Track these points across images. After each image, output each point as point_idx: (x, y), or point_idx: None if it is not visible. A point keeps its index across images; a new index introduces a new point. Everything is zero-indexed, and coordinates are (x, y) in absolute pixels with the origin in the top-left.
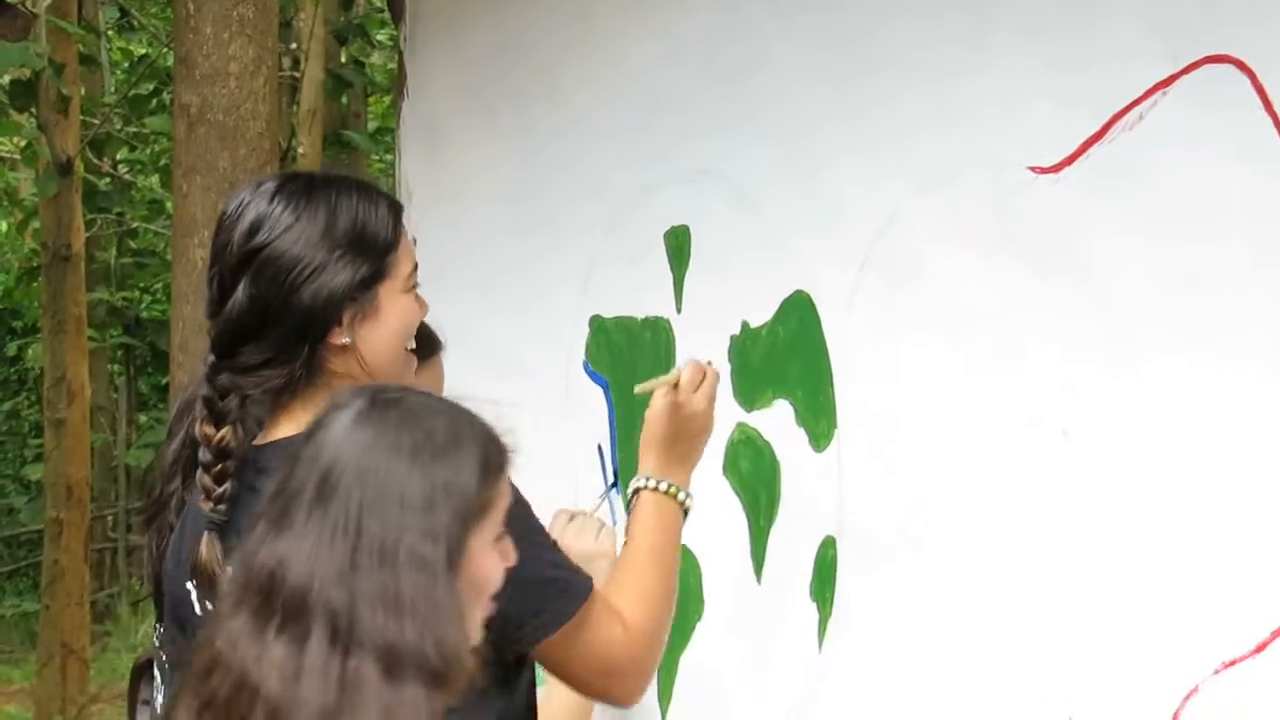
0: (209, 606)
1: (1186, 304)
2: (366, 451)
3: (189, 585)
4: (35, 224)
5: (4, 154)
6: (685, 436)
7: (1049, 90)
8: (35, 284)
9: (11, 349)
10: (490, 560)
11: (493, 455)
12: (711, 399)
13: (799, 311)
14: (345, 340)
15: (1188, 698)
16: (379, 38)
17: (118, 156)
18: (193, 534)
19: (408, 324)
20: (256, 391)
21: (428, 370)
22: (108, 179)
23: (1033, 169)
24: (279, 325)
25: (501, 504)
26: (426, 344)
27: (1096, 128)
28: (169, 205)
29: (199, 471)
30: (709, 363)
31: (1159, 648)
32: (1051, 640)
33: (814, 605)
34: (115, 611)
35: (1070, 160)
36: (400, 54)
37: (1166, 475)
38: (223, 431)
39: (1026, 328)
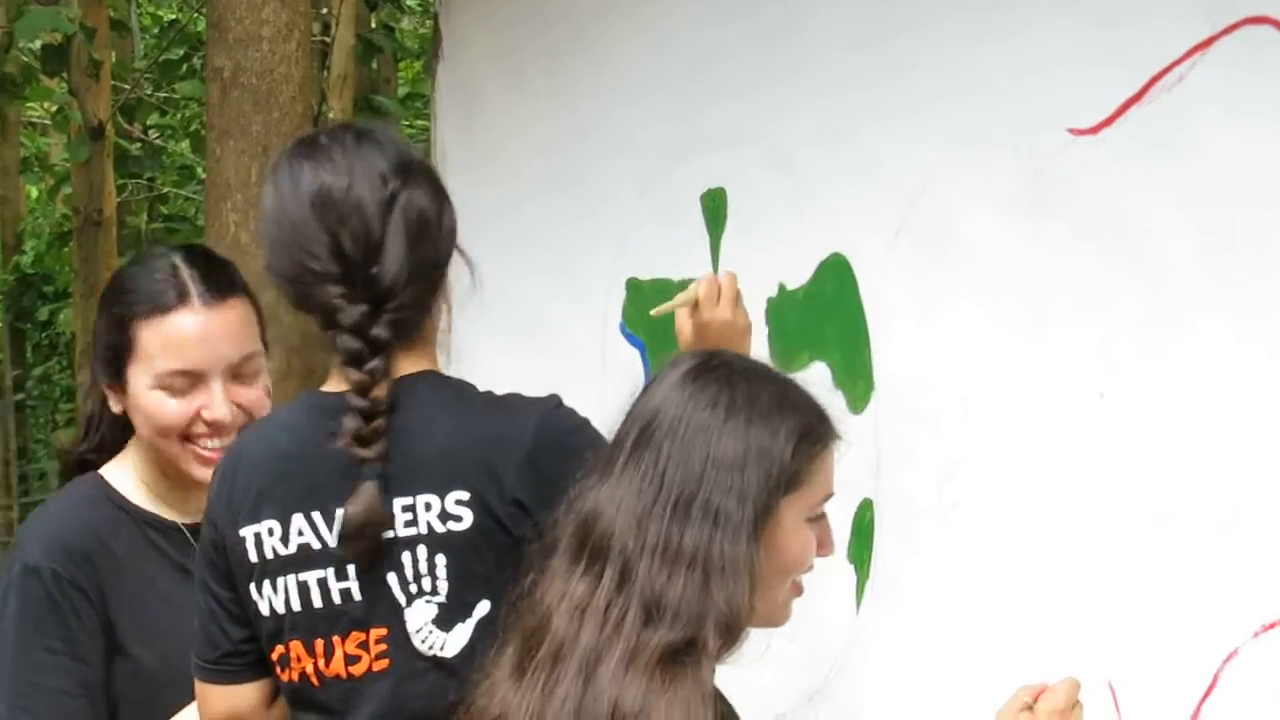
0: (283, 551)
1: (1225, 267)
2: (684, 406)
3: (245, 531)
4: (66, 189)
5: (35, 119)
6: (725, 347)
7: (1087, 52)
8: (67, 249)
9: (43, 314)
10: (802, 537)
11: (813, 427)
12: (735, 301)
13: (836, 274)
14: (450, 279)
15: (1227, 660)
16: (409, 3)
17: (149, 121)
18: (229, 477)
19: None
20: (404, 338)
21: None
22: (139, 144)
23: (1071, 131)
24: (425, 270)
25: (821, 481)
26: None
27: (1135, 89)
28: (200, 171)
29: (349, 418)
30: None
31: (1198, 611)
32: (1090, 604)
33: (852, 568)
34: None
35: (1109, 122)
36: (435, 17)
37: (1204, 438)
38: (379, 387)
39: (1064, 291)
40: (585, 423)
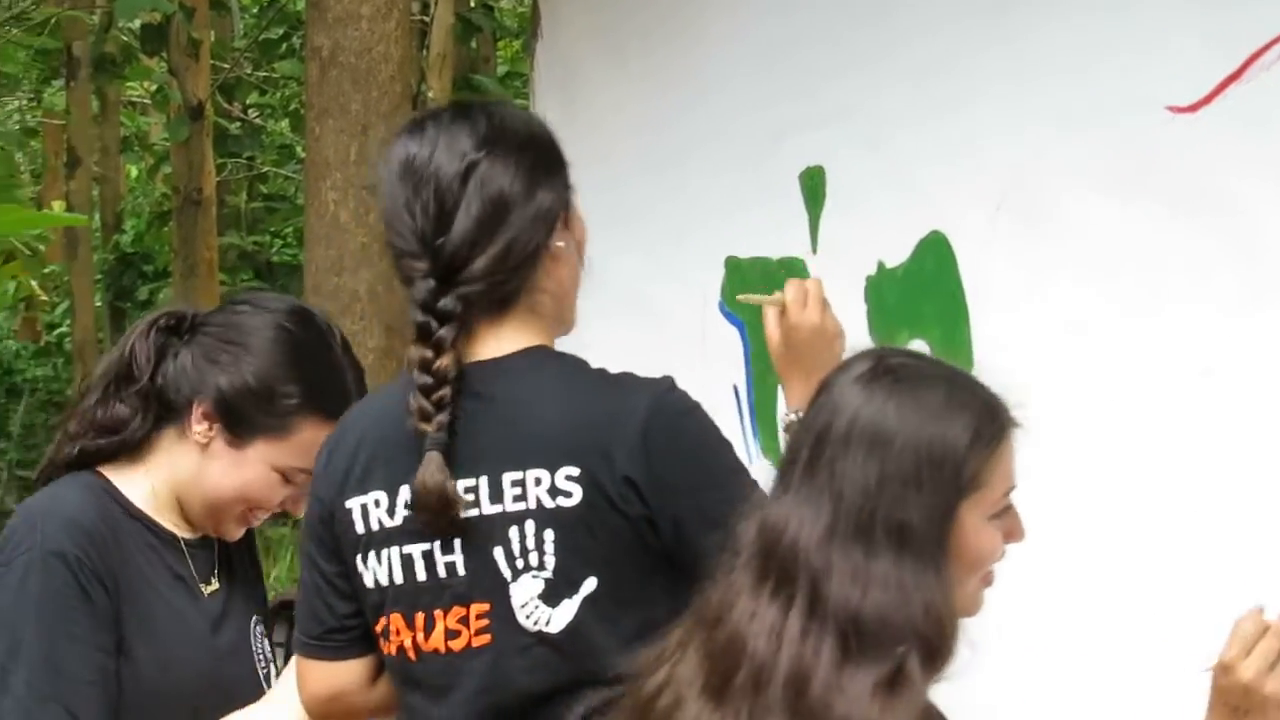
0: (388, 523)
1: None
2: (857, 417)
3: (350, 503)
4: (166, 168)
5: (135, 99)
6: (814, 354)
7: (1186, 30)
8: (166, 228)
9: (143, 293)
10: (986, 535)
11: (984, 426)
12: (822, 306)
13: (935, 252)
14: (561, 244)
15: None
16: None
17: (248, 101)
18: (338, 447)
19: (582, 243)
20: (482, 302)
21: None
22: (238, 123)
23: (1170, 109)
24: (504, 245)
25: (1000, 478)
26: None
27: (1234, 68)
28: (299, 150)
29: (414, 395)
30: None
31: None
32: (1199, 581)
33: None
34: None
35: (1207, 100)
36: None
37: None
38: (443, 358)
39: (1164, 267)
40: (697, 406)
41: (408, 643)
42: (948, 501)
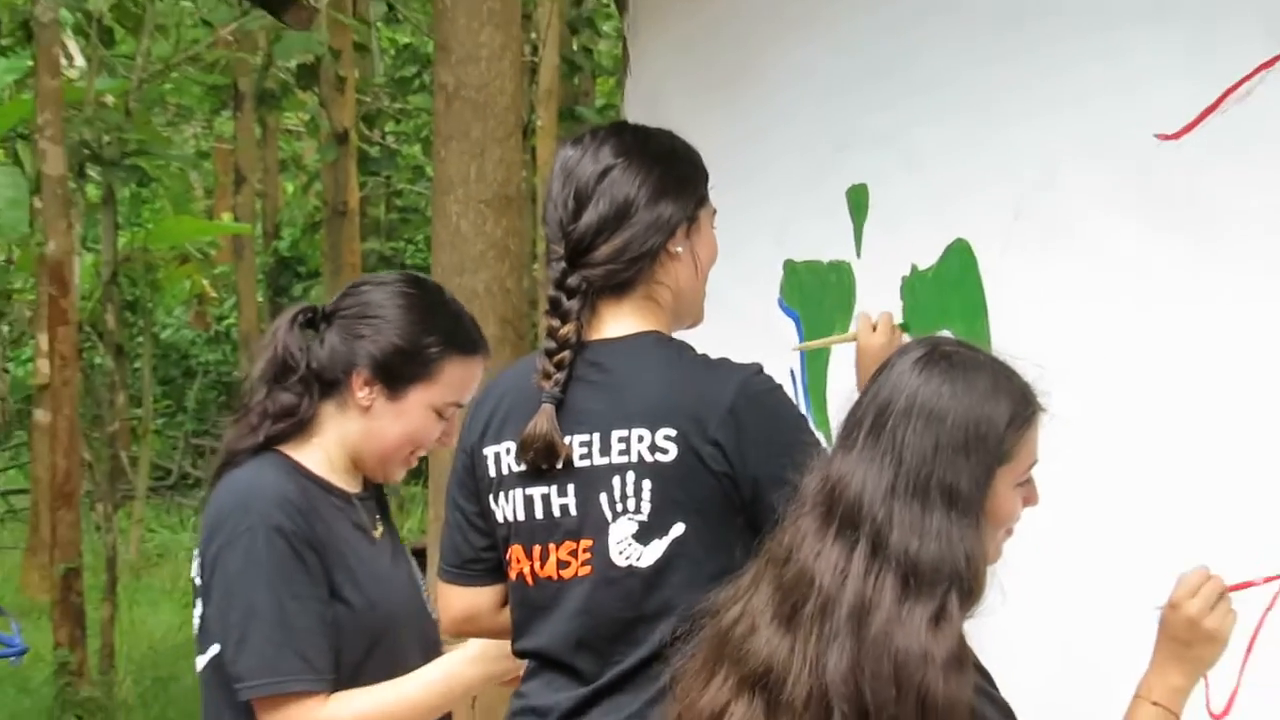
0: (516, 468)
1: None
2: (915, 393)
3: (487, 451)
4: (317, 185)
5: (291, 127)
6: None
7: (1173, 69)
8: (317, 236)
9: (297, 290)
10: (1012, 499)
11: (1021, 409)
12: (890, 329)
13: (960, 257)
14: (679, 249)
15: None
16: (604, 29)
17: (386, 129)
18: (484, 406)
19: (713, 252)
20: (600, 284)
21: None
22: (378, 147)
23: (1159, 136)
24: (623, 242)
25: (1027, 453)
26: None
27: (1212, 100)
28: (428, 170)
29: (540, 355)
30: (876, 317)
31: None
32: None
33: None
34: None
35: (1190, 128)
36: (624, 40)
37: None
38: (566, 326)
39: (1159, 274)
40: (779, 387)
41: (526, 570)
42: (989, 469)
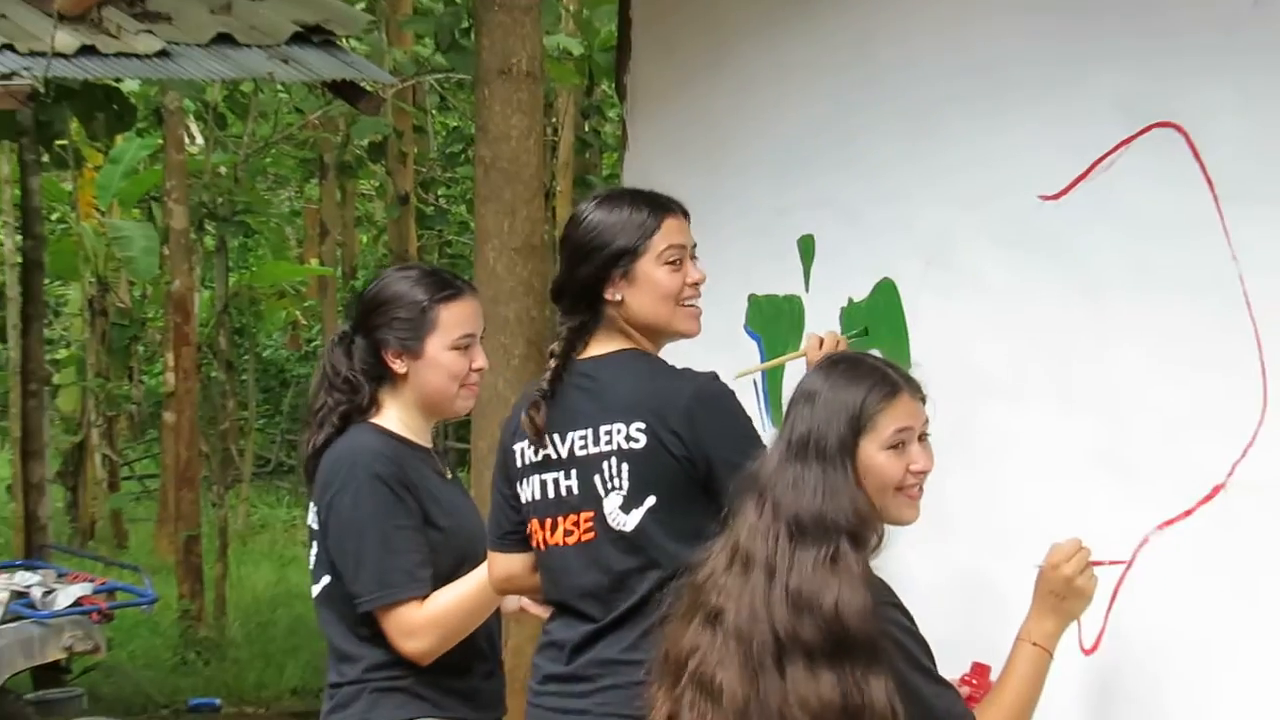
0: (533, 459)
1: (1146, 292)
2: (805, 387)
3: (514, 447)
4: (384, 237)
5: (364, 191)
6: None
7: (1052, 141)
8: None
9: None
10: (886, 461)
11: (874, 388)
12: (835, 348)
13: (886, 292)
14: (619, 296)
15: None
16: (609, 114)
17: (438, 192)
18: (516, 412)
19: (663, 287)
20: (565, 329)
21: (457, 306)
22: (432, 207)
23: (1041, 197)
24: (572, 287)
25: (887, 423)
26: (449, 286)
27: (1083, 169)
28: (472, 224)
29: (545, 372)
30: (822, 337)
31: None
32: (1034, 520)
33: None
34: None
35: (1066, 191)
36: (624, 124)
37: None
38: (552, 346)
39: (1035, 302)
40: (728, 392)
41: (541, 539)
42: (854, 433)
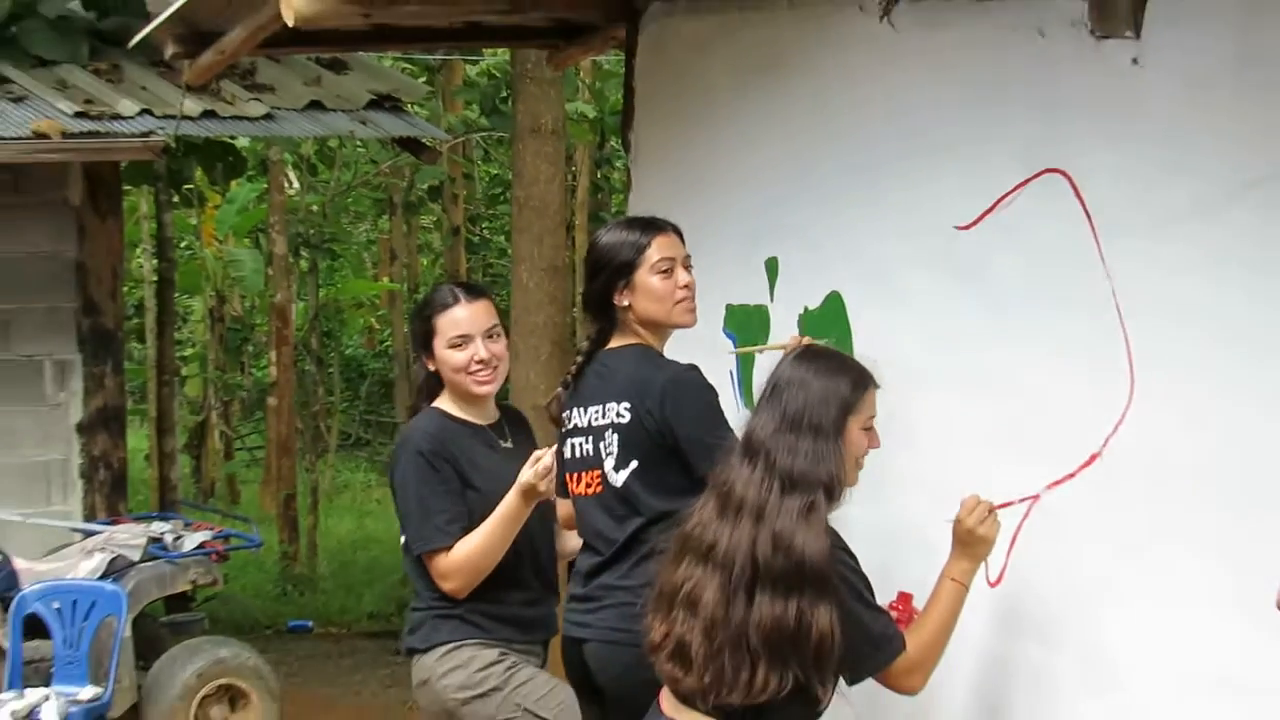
0: (568, 426)
1: (1044, 306)
2: (795, 373)
3: (563, 414)
4: (441, 261)
5: (425, 224)
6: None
7: (965, 184)
8: None
9: None
10: (860, 438)
11: (859, 379)
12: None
13: (834, 304)
14: (625, 303)
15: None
16: (618, 164)
17: (483, 225)
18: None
19: (658, 291)
20: (592, 330)
21: (476, 305)
22: (478, 237)
23: (957, 227)
24: (591, 297)
25: (866, 408)
26: (473, 289)
27: (990, 204)
28: (509, 250)
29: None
30: (798, 339)
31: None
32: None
33: None
34: None
35: (976, 223)
36: (629, 170)
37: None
38: (581, 345)
39: (957, 315)
40: (701, 381)
41: (571, 489)
42: (843, 413)
